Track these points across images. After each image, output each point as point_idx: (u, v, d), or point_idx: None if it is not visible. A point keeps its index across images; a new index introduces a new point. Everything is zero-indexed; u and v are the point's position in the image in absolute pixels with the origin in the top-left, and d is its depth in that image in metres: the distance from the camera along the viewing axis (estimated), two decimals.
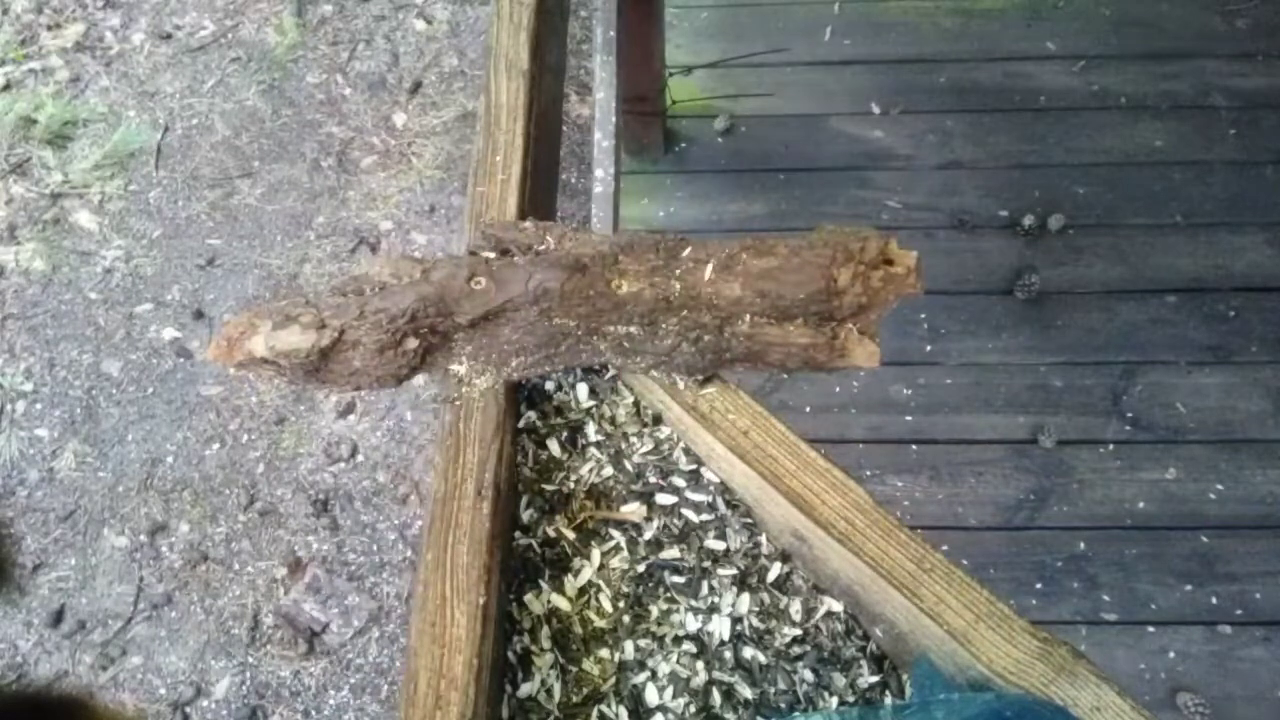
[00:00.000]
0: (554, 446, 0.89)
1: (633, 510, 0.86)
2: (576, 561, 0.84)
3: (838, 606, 0.84)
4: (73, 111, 3.00)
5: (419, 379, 0.87)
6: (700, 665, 0.80)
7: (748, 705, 0.79)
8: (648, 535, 0.86)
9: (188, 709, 2.15)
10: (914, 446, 2.20)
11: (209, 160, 2.93)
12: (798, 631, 0.83)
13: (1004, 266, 2.38)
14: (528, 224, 0.89)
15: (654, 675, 0.80)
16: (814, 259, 0.82)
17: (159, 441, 2.48)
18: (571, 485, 0.87)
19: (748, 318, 0.83)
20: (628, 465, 0.89)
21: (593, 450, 0.90)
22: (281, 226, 2.80)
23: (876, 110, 2.63)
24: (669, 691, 0.79)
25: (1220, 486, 2.11)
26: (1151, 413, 2.20)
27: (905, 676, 0.82)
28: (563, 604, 0.82)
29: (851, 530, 0.78)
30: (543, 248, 0.86)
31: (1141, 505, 2.10)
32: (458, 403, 0.84)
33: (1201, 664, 1.95)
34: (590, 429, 0.90)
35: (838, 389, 2.25)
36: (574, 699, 0.78)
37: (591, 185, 1.64)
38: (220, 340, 0.83)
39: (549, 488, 0.87)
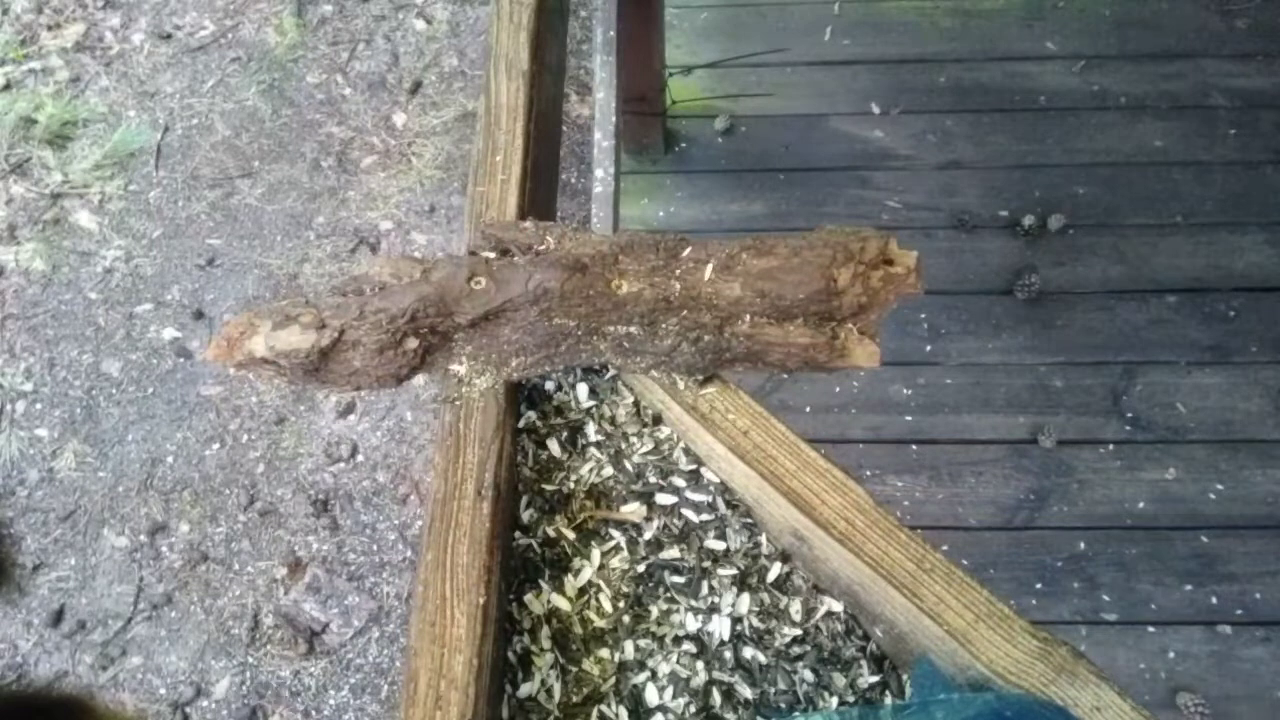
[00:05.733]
0: (554, 446, 0.89)
1: (633, 510, 0.86)
2: (576, 561, 0.84)
3: (838, 606, 0.84)
4: (73, 111, 3.00)
5: (419, 379, 0.87)
6: (700, 665, 0.80)
7: (748, 705, 0.79)
8: (648, 535, 0.86)
9: (188, 709, 2.15)
10: (914, 446, 2.20)
11: (209, 160, 2.93)
12: (798, 631, 0.83)
13: (1004, 266, 2.38)
14: (528, 224, 0.89)
15: (654, 675, 0.80)
16: (814, 259, 0.82)
17: (159, 441, 2.48)
18: (571, 485, 0.87)
19: (748, 318, 0.83)
20: (628, 465, 0.89)
21: (593, 450, 0.90)
22: (281, 226, 2.80)
23: (876, 110, 2.63)
24: (669, 691, 0.79)
25: (1220, 486, 2.11)
26: (1151, 413, 2.20)
27: (905, 676, 0.82)
28: (563, 604, 0.82)
29: (851, 530, 0.78)
30: (543, 248, 0.86)
31: (1141, 505, 2.10)
32: (458, 403, 0.84)
33: (1201, 664, 1.95)
34: (590, 429, 0.90)
35: (838, 389, 2.25)
36: (574, 699, 0.78)
37: (591, 185, 1.64)
38: (220, 340, 0.83)
39: (549, 488, 0.87)
